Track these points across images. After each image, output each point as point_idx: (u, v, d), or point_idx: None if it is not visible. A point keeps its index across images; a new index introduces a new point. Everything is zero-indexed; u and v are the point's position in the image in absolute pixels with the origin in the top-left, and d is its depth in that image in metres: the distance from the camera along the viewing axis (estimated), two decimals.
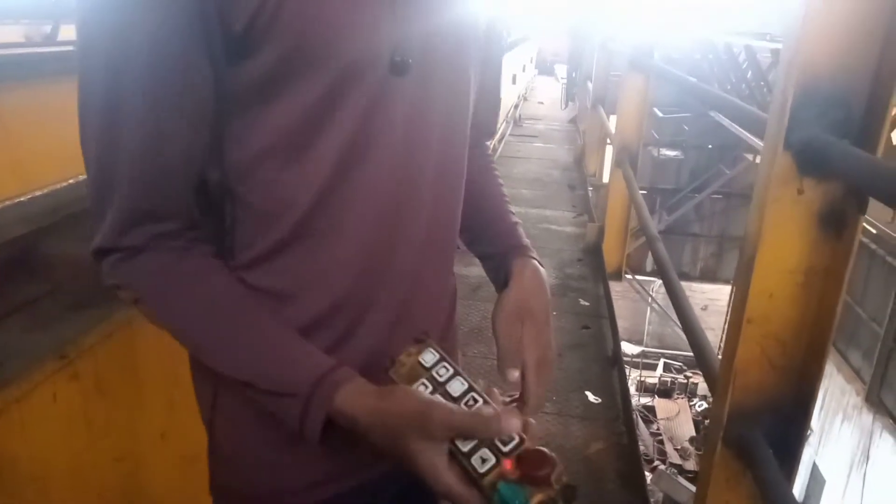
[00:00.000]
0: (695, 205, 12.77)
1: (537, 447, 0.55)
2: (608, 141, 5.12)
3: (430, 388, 0.61)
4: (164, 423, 1.00)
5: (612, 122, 4.32)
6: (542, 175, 5.91)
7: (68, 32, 6.09)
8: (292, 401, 0.59)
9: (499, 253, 0.82)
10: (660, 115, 11.96)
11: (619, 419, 2.28)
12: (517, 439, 0.55)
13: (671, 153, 12.97)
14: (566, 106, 9.37)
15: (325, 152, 0.61)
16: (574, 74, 8.04)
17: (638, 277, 10.71)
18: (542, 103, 12.01)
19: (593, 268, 3.73)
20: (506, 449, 0.55)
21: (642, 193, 3.01)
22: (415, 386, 0.61)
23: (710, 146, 12.56)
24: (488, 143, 0.95)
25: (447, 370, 0.62)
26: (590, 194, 5.29)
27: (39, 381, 0.74)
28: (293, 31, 0.56)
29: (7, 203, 0.82)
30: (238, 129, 0.61)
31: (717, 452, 1.08)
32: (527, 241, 0.83)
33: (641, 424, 12.48)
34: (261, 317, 0.63)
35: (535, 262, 0.79)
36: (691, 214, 13.42)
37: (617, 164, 3.57)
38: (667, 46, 10.60)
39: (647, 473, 8.34)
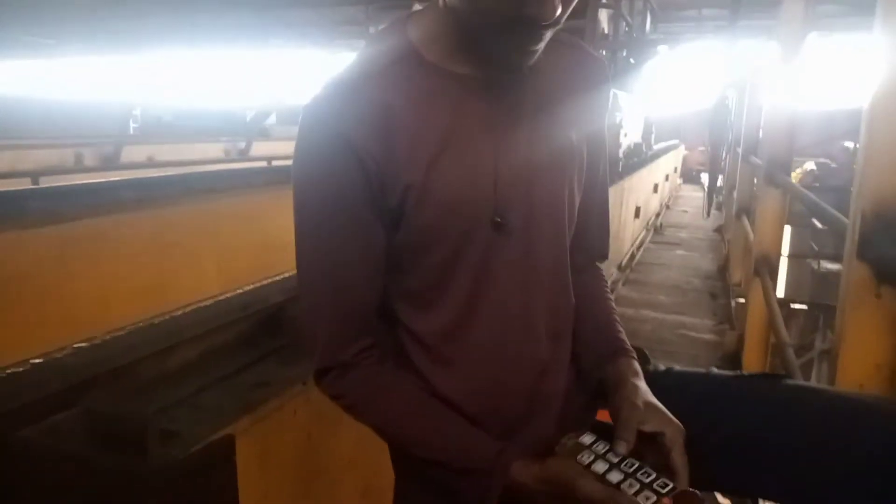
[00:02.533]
0: None
1: (689, 489, 0.70)
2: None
3: (592, 456, 0.74)
4: (354, 451, 1.32)
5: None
6: (682, 283, 5.93)
7: (258, 149, 7.11)
8: (478, 474, 0.76)
9: (601, 359, 0.90)
10: (819, 226, 11.39)
11: None
12: (671, 485, 0.70)
13: (834, 267, 12.17)
14: (708, 215, 9.27)
15: (453, 295, 0.81)
16: (717, 183, 8.01)
17: None
18: (685, 211, 11.92)
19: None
20: (663, 491, 0.69)
21: (802, 309, 3.02)
22: (579, 457, 0.74)
23: None
24: (600, 264, 1.03)
25: (604, 445, 0.75)
26: (732, 304, 5.23)
27: (286, 400, 1.09)
28: (430, 206, 0.76)
29: (270, 280, 1.23)
30: (395, 277, 0.82)
31: None
32: (630, 347, 0.91)
33: None
34: (443, 413, 0.82)
35: (635, 363, 0.87)
36: None
37: (756, 273, 3.61)
38: (824, 155, 10.31)
39: None
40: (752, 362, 3.79)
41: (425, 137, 0.76)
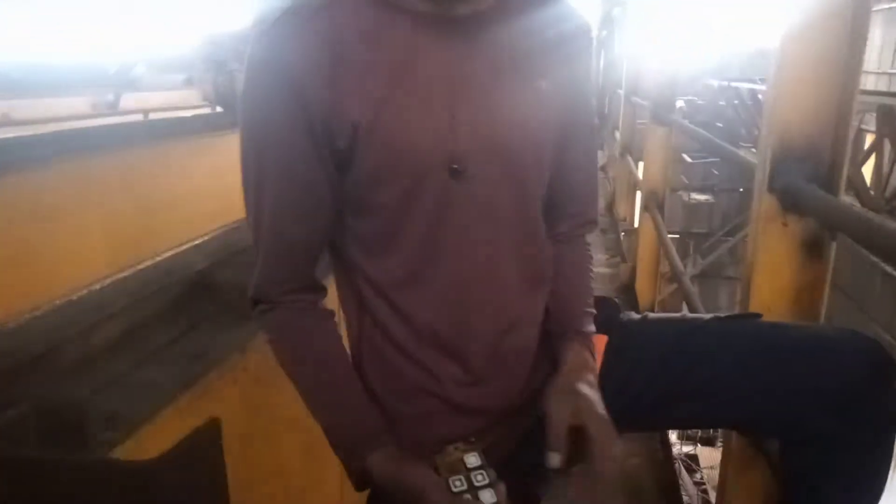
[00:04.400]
0: (728, 248, 12.86)
1: None
2: (637, 187, 5.38)
3: (465, 486, 0.67)
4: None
5: (640, 169, 4.60)
6: None
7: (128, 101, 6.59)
8: (340, 451, 0.79)
9: (558, 334, 0.89)
10: (689, 160, 12.20)
11: (656, 437, 2.48)
12: None
13: (702, 197, 13.13)
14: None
15: (408, 241, 0.78)
16: (600, 123, 8.34)
17: None
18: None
19: (627, 307, 3.93)
20: None
21: (675, 238, 3.25)
22: (451, 479, 0.67)
23: (740, 189, 12.72)
24: (588, 232, 0.98)
25: (484, 477, 0.68)
26: (622, 238, 5.53)
27: (226, 370, 1.04)
28: (378, 148, 0.74)
29: (192, 244, 1.15)
30: (350, 220, 0.80)
31: None
32: (590, 328, 0.89)
33: (685, 474, 12.24)
34: (346, 379, 0.81)
35: (588, 353, 0.85)
36: (725, 258, 13.46)
37: (645, 208, 3.83)
38: (692, 93, 10.98)
39: None
40: (645, 291, 4.06)
41: (375, 74, 0.73)
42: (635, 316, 0.97)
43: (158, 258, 1.17)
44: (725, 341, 0.89)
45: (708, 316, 0.94)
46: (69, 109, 5.80)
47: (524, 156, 0.81)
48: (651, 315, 0.99)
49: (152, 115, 5.50)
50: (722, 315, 0.94)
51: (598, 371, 0.84)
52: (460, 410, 0.84)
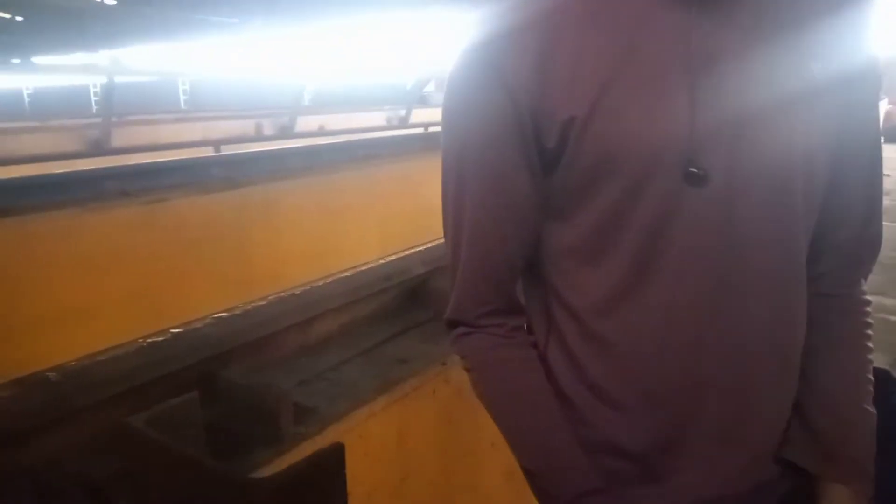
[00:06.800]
0: None
1: None
2: None
3: None
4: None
5: None
6: (883, 257, 5.16)
7: (418, 116, 7.36)
8: (544, 497, 0.68)
9: (815, 458, 0.69)
10: None
11: None
12: None
13: None
14: None
15: (619, 256, 0.64)
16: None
17: None
18: (887, 175, 10.43)
19: None
20: None
21: None
22: None
23: None
24: (862, 287, 0.74)
25: None
26: None
27: (426, 379, 1.04)
28: (595, 145, 0.61)
29: (414, 250, 1.17)
30: (551, 229, 0.68)
31: None
32: (868, 456, 0.69)
33: None
34: (552, 421, 0.69)
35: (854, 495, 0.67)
36: None
37: None
38: None
39: None
40: None
41: (596, 59, 0.61)
42: None
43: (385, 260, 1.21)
44: None
45: None
46: (368, 122, 6.68)
47: (785, 165, 0.62)
48: None
49: (431, 129, 6.02)
50: None
51: None
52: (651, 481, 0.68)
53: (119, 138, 4.28)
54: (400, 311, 1.14)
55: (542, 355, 0.72)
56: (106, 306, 1.75)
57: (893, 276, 4.62)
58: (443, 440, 1.11)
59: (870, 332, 0.71)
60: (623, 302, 0.65)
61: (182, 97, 11.87)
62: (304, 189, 2.58)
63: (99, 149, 4.09)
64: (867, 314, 0.72)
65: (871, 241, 0.72)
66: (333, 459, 0.64)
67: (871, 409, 0.69)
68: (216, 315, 0.87)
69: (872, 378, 0.70)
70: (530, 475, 0.69)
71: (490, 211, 0.67)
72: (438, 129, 0.72)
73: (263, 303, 0.95)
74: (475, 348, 0.72)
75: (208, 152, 4.46)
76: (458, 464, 1.16)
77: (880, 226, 0.71)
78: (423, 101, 7.98)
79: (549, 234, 0.69)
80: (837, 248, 0.70)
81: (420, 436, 1.06)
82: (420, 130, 5.64)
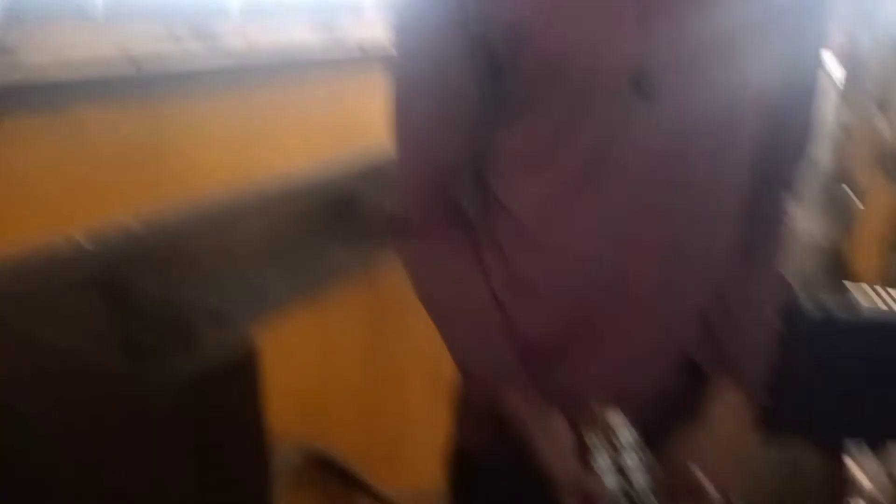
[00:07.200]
0: None
1: None
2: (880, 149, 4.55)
3: (613, 467, 0.60)
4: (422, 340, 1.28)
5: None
6: None
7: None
8: (476, 379, 0.73)
9: (714, 361, 0.75)
10: None
11: None
12: None
13: None
14: None
15: (565, 164, 0.66)
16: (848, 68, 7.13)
17: None
18: None
19: (826, 277, 3.40)
20: None
21: None
22: (599, 457, 0.61)
23: None
24: (782, 196, 0.77)
25: (634, 460, 0.60)
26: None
27: (349, 286, 1.04)
28: (540, 50, 0.62)
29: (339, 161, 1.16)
30: (500, 137, 0.69)
31: None
32: (758, 375, 0.75)
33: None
34: (487, 317, 0.72)
35: (741, 398, 0.74)
36: None
37: (887, 173, 3.22)
38: None
39: None
40: (861, 260, 3.45)
41: None
42: (815, 313, 0.76)
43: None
44: None
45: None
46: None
47: (743, 91, 0.64)
48: (831, 308, 0.77)
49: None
50: None
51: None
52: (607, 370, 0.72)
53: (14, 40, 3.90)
54: (325, 220, 1.12)
55: (478, 259, 0.74)
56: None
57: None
58: (365, 346, 1.13)
59: (786, 250, 0.76)
60: (565, 207, 0.67)
61: None
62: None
63: None
64: (781, 216, 0.77)
65: (788, 168, 0.76)
66: (248, 364, 0.64)
67: (776, 326, 0.76)
68: (129, 224, 0.83)
69: (783, 292, 0.77)
70: (459, 363, 0.74)
71: (436, 113, 0.68)
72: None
73: (177, 212, 0.91)
74: (424, 253, 0.74)
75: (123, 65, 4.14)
76: (380, 369, 1.19)
77: (805, 148, 0.75)
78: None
79: (497, 141, 0.70)
80: (770, 165, 0.72)
81: (341, 342, 1.07)
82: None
